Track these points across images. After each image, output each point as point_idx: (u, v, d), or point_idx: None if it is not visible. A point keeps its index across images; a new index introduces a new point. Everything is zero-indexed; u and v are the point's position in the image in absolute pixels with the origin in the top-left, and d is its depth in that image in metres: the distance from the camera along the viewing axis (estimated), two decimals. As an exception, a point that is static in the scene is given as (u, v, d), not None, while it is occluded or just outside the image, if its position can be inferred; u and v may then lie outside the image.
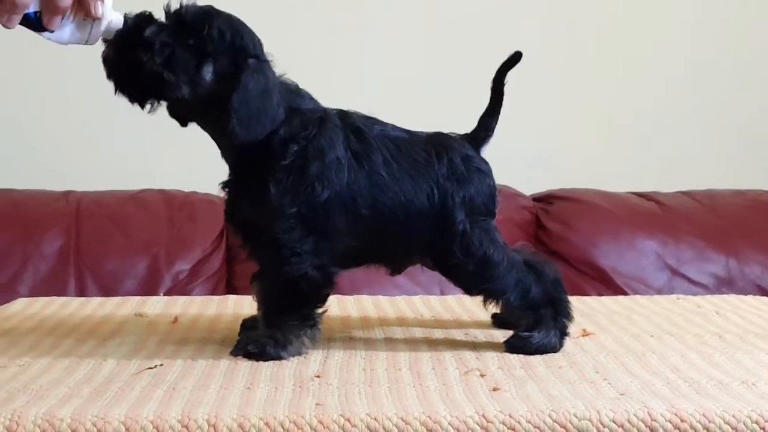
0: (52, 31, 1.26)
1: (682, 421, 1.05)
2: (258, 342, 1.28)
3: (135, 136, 2.91)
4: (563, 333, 1.36)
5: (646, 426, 1.04)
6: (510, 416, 1.05)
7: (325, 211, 1.27)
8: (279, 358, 1.27)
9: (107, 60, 1.27)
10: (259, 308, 1.32)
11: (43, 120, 3.04)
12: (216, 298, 1.70)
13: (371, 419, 1.04)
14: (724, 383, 1.17)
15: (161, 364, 1.24)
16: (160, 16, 1.28)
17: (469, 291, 1.38)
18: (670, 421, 1.05)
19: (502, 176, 2.90)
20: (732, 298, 1.72)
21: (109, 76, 1.28)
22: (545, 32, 3.14)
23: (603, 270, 2.81)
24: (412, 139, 1.34)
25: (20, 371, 1.22)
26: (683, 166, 3.18)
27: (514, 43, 2.99)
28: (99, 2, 1.24)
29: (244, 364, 1.25)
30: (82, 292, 2.65)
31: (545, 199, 2.96)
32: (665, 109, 3.19)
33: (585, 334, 1.42)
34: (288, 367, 1.24)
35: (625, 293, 2.70)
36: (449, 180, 1.31)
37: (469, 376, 1.21)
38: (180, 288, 2.67)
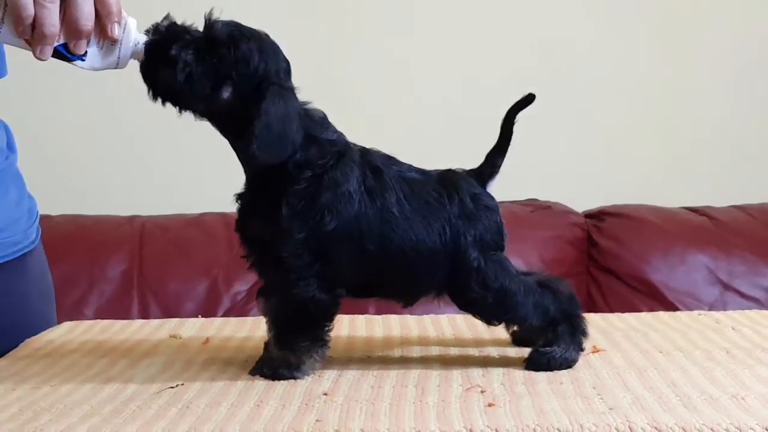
0: (83, 60, 1.34)
1: (660, 434, 1.09)
2: (271, 365, 1.35)
3: (197, 162, 3.01)
4: (579, 348, 1.41)
5: (627, 439, 1.09)
6: (496, 430, 1.10)
7: (331, 241, 1.32)
8: (293, 378, 1.33)
9: (141, 69, 1.35)
10: (269, 329, 1.38)
11: (109, 149, 3.17)
12: (250, 319, 1.76)
13: (364, 434, 1.11)
14: (714, 397, 1.21)
15: (182, 384, 1.32)
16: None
17: (491, 322, 1.43)
18: (649, 434, 1.09)
19: (554, 193, 3.01)
20: (753, 314, 1.74)
21: (145, 83, 1.35)
22: (597, 48, 3.18)
23: (655, 286, 2.84)
24: (425, 179, 1.38)
25: (51, 391, 1.30)
26: (738, 180, 3.18)
27: (566, 59, 3.07)
28: (116, 24, 1.32)
29: (260, 383, 1.32)
30: (144, 314, 2.76)
31: (597, 216, 3.00)
32: (720, 123, 3.20)
33: (595, 350, 1.46)
34: (300, 385, 1.31)
35: (676, 309, 2.72)
36: (460, 219, 1.36)
37: (470, 392, 1.26)
38: (238, 309, 2.77)
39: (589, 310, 2.68)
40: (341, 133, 1.39)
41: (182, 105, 1.34)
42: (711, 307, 2.76)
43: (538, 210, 2.97)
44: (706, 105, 3.20)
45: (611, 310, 2.63)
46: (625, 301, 2.82)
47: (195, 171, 3.11)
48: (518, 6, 3.18)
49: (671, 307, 2.76)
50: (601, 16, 3.19)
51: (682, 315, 1.76)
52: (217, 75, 1.31)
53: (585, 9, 3.19)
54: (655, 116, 3.20)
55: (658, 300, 2.81)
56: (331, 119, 1.40)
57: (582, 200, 3.05)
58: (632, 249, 2.89)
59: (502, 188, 2.76)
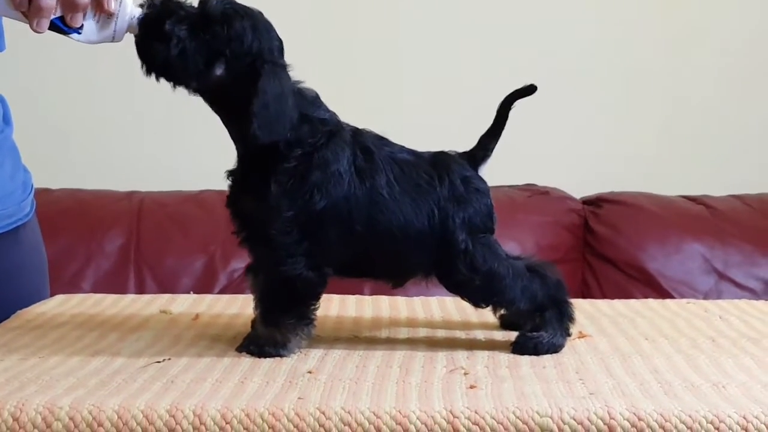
0: (79, 33, 1.35)
1: (639, 419, 1.09)
2: (258, 342, 1.36)
3: (196, 138, 3.01)
4: (566, 334, 1.42)
5: (605, 424, 1.09)
6: (476, 412, 1.11)
7: (319, 220, 1.33)
8: (279, 356, 1.34)
9: (136, 45, 1.35)
10: (256, 307, 1.39)
11: (111, 124, 3.18)
12: (241, 296, 1.77)
13: (345, 412, 1.11)
14: (695, 385, 1.22)
15: (168, 359, 1.33)
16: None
17: (478, 304, 1.44)
18: (627, 420, 1.09)
19: (552, 179, 3.01)
20: (742, 303, 1.74)
21: (140, 60, 1.35)
22: (597, 35, 3.18)
23: (650, 274, 2.84)
24: (416, 161, 1.39)
25: (38, 363, 1.31)
26: (736, 170, 3.19)
27: (565, 45, 3.06)
28: None
29: (246, 360, 1.33)
30: (141, 289, 2.77)
31: (594, 202, 3.00)
32: (719, 112, 3.20)
33: (581, 335, 1.47)
34: (286, 363, 1.32)
35: (671, 297, 2.72)
36: (449, 201, 1.37)
37: (453, 374, 1.27)
38: (234, 286, 2.78)
39: (584, 297, 2.70)
40: (333, 113, 1.40)
41: (175, 80, 1.34)
42: (706, 296, 2.76)
43: (536, 195, 2.98)
44: (706, 94, 3.19)
45: (606, 297, 2.64)
46: (621, 289, 2.82)
47: (194, 147, 3.11)
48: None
49: (666, 295, 2.76)
50: (602, 3, 3.18)
51: (671, 303, 1.76)
52: (210, 52, 1.31)
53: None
54: (654, 104, 3.20)
55: (653, 288, 2.81)
56: (326, 100, 1.41)
57: (580, 186, 3.05)
58: (629, 236, 2.89)
59: (500, 172, 2.76)
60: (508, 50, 3.15)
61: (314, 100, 1.39)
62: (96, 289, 2.69)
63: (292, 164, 1.34)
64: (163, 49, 1.31)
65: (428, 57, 3.18)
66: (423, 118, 3.10)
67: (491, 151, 1.44)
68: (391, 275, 1.44)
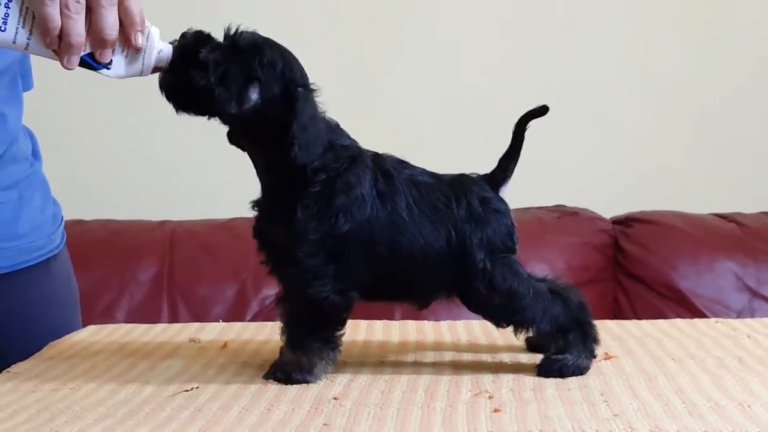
0: (108, 68, 1.37)
1: (662, 440, 1.10)
2: (285, 369, 1.37)
3: (227, 167, 3.04)
4: (591, 355, 1.42)
5: (627, 445, 1.10)
6: (498, 436, 1.12)
7: (344, 243, 1.35)
8: (306, 382, 1.36)
9: (164, 84, 1.37)
10: (282, 333, 1.41)
11: (142, 155, 3.21)
12: (269, 324, 1.78)
13: (367, 438, 1.13)
14: (720, 405, 1.22)
15: (197, 387, 1.34)
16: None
17: (499, 324, 1.44)
18: (650, 441, 1.10)
19: (581, 199, 3.00)
20: (771, 322, 1.74)
21: (168, 98, 1.37)
22: (626, 54, 3.18)
23: (682, 292, 2.84)
24: (435, 184, 1.41)
25: (69, 393, 1.33)
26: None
27: (593, 65, 3.07)
28: (139, 33, 1.34)
29: (273, 387, 1.34)
30: (174, 318, 2.79)
31: (624, 222, 3.00)
32: (748, 128, 3.19)
33: (607, 357, 1.47)
34: (312, 389, 1.33)
35: (704, 316, 2.71)
36: (467, 222, 1.38)
37: (478, 397, 1.28)
38: (266, 313, 2.79)
39: (616, 317, 2.70)
40: (354, 140, 1.43)
41: (213, 108, 1.35)
42: (739, 314, 2.75)
43: (565, 216, 2.98)
44: (735, 110, 3.19)
45: (638, 317, 2.62)
46: (653, 308, 2.82)
47: (224, 176, 3.13)
48: (545, 10, 3.19)
49: (699, 313, 2.75)
50: (630, 20, 3.19)
51: (698, 322, 1.75)
52: (245, 76, 1.34)
53: (615, 13, 3.19)
54: (683, 122, 3.20)
55: (685, 307, 2.81)
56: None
57: (609, 206, 3.05)
58: (660, 255, 2.89)
59: (529, 194, 2.78)
60: (534, 69, 3.16)
61: (336, 127, 1.42)
62: (130, 319, 2.73)
63: (317, 189, 1.36)
64: (202, 76, 1.33)
65: (453, 79, 3.20)
66: (451, 140, 3.12)
67: (511, 172, 1.45)
68: (414, 297, 1.45)
